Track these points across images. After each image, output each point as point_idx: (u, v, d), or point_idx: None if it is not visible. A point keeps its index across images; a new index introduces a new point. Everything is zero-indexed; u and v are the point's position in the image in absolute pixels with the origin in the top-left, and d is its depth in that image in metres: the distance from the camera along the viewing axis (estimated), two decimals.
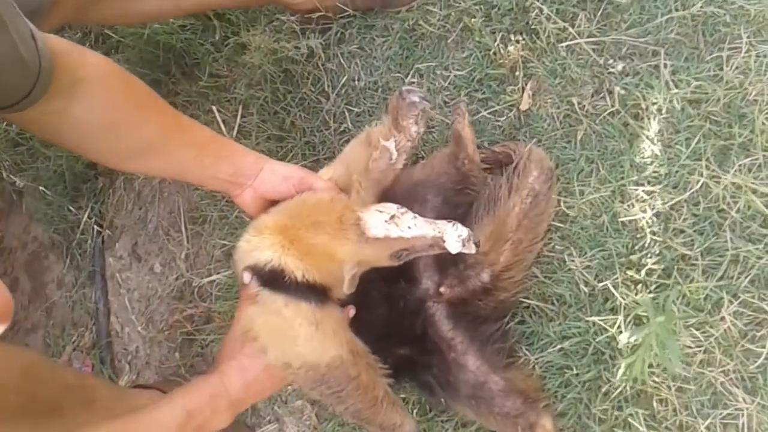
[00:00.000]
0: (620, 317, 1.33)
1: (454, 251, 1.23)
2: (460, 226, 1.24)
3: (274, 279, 1.27)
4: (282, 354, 1.27)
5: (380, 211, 1.27)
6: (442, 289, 1.48)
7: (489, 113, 1.66)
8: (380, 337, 1.41)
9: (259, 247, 1.29)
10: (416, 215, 1.27)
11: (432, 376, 1.47)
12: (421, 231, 1.24)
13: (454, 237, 1.23)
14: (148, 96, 1.31)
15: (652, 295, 1.34)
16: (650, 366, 1.31)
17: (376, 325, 1.45)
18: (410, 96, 1.36)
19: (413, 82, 1.79)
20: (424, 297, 1.49)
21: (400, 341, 1.49)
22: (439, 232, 1.24)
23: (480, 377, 1.43)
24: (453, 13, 1.73)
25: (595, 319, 1.37)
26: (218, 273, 1.99)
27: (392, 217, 1.26)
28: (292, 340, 1.26)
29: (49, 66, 1.09)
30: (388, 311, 1.48)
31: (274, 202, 1.39)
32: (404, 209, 1.28)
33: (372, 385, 1.31)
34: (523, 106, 1.59)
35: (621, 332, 1.32)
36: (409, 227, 1.25)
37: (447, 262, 1.49)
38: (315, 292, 1.27)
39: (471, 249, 1.24)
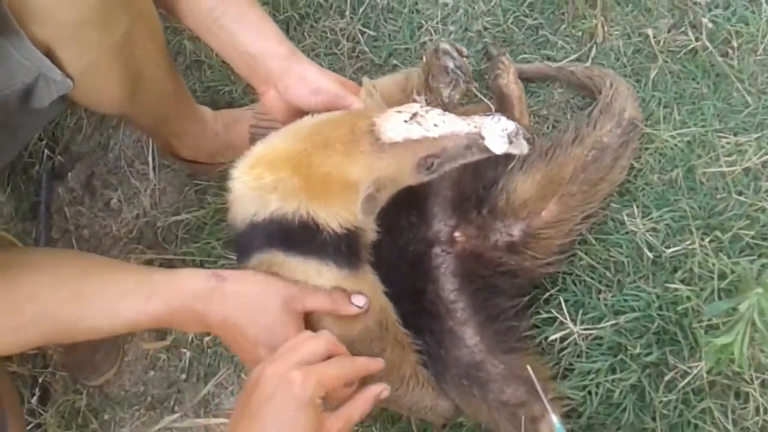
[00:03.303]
0: (715, 282, 1.07)
1: (499, 151, 0.96)
2: (503, 117, 0.96)
3: (304, 236, 1.00)
4: None
5: (399, 112, 0.99)
6: (456, 235, 1.21)
7: (540, 43, 1.39)
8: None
9: (276, 188, 1.00)
10: (446, 112, 0.99)
11: (424, 343, 1.19)
12: (452, 127, 0.96)
13: (496, 131, 0.95)
14: None
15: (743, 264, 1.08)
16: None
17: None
18: (444, 59, 1.11)
19: (447, 4, 1.51)
20: (432, 240, 1.22)
21: (397, 292, 1.18)
22: (475, 126, 0.96)
23: (477, 356, 1.18)
24: None
25: (679, 286, 1.10)
26: (188, 212, 1.67)
27: (414, 115, 0.97)
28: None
29: None
30: (387, 250, 1.16)
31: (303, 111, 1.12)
32: (429, 107, 1.00)
33: (398, 363, 1.10)
34: (600, 38, 1.32)
35: (713, 301, 1.05)
36: (435, 125, 0.96)
37: (469, 204, 1.22)
38: (349, 250, 1.01)
39: (522, 148, 0.97)
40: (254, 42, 1.13)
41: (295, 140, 1.03)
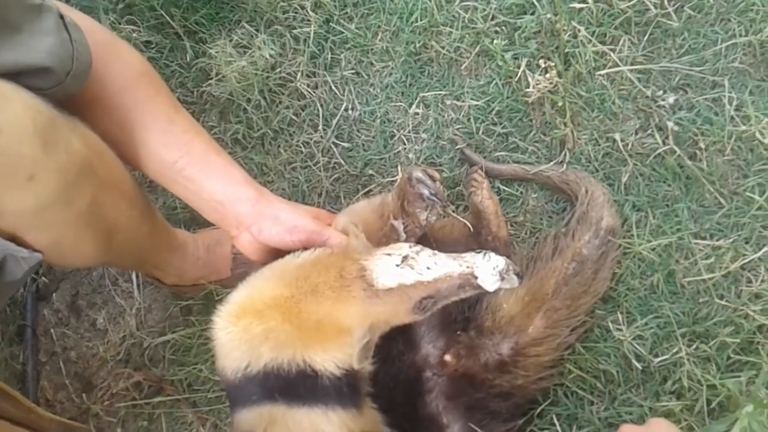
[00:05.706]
0: (704, 395, 1.05)
1: (492, 288, 0.97)
2: (493, 255, 0.98)
3: (304, 385, 0.98)
4: None
5: (389, 254, 1.00)
6: (447, 358, 1.20)
7: (511, 149, 1.40)
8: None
9: (268, 338, 0.99)
10: (435, 251, 1.00)
11: None
12: (445, 269, 0.97)
13: (488, 270, 0.97)
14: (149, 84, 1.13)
15: (731, 376, 1.07)
16: None
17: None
18: (419, 187, 1.14)
19: (417, 114, 1.53)
20: (422, 365, 1.21)
21: (393, 422, 1.18)
22: (467, 266, 0.97)
23: None
24: (468, 35, 1.48)
25: (669, 403, 1.08)
26: (173, 332, 1.66)
27: (404, 258, 0.98)
28: None
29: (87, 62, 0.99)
30: (381, 381, 1.15)
31: (279, 250, 1.11)
32: (419, 247, 1.01)
33: None
34: (571, 144, 1.33)
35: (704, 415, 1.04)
36: (427, 267, 0.98)
37: (456, 325, 1.21)
38: (351, 390, 1.00)
39: (512, 282, 0.98)
40: (222, 189, 1.13)
41: (280, 285, 1.02)
